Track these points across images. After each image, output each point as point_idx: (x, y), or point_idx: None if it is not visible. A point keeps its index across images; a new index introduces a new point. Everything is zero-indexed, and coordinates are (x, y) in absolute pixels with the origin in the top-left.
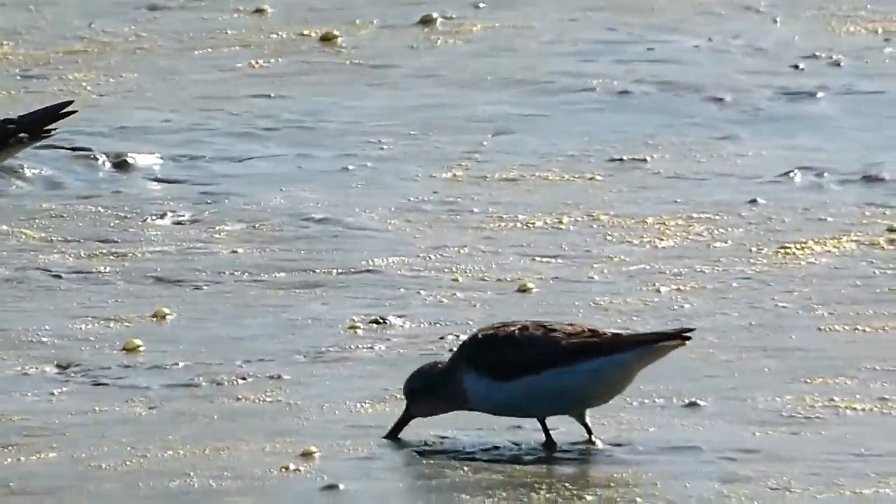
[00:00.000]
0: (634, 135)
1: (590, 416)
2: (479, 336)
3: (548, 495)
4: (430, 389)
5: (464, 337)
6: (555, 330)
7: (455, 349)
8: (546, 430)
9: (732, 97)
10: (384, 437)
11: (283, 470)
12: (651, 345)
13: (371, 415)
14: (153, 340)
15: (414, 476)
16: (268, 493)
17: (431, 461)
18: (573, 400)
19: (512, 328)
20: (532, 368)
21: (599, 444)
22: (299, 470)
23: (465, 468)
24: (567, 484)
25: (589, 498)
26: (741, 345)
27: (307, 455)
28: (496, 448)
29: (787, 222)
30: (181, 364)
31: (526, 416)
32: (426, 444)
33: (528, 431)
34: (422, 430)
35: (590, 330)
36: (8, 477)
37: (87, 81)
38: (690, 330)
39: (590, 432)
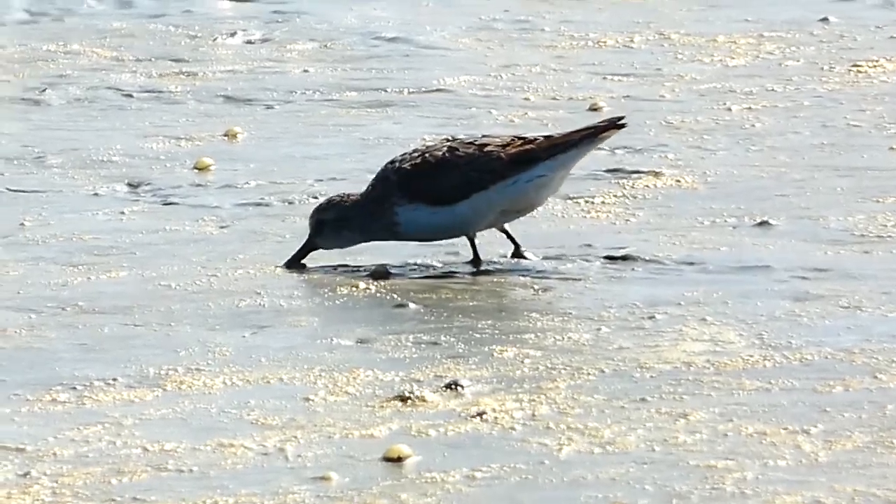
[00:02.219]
0: None
1: (662, 237)
2: (407, 166)
3: (617, 313)
4: (344, 221)
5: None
6: (486, 145)
7: (372, 181)
8: (475, 247)
9: None
10: (283, 265)
11: (353, 289)
12: (588, 140)
13: None
14: (224, 159)
15: (482, 294)
16: (339, 311)
17: (495, 279)
18: (515, 211)
19: (438, 151)
20: (478, 187)
21: (531, 257)
22: (369, 289)
23: (536, 287)
24: (638, 303)
25: (659, 317)
26: (813, 164)
27: (380, 275)
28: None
29: (858, 40)
30: (252, 183)
31: (459, 236)
32: (490, 260)
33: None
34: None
35: (518, 138)
36: (78, 296)
37: None
38: (621, 118)
39: (516, 242)
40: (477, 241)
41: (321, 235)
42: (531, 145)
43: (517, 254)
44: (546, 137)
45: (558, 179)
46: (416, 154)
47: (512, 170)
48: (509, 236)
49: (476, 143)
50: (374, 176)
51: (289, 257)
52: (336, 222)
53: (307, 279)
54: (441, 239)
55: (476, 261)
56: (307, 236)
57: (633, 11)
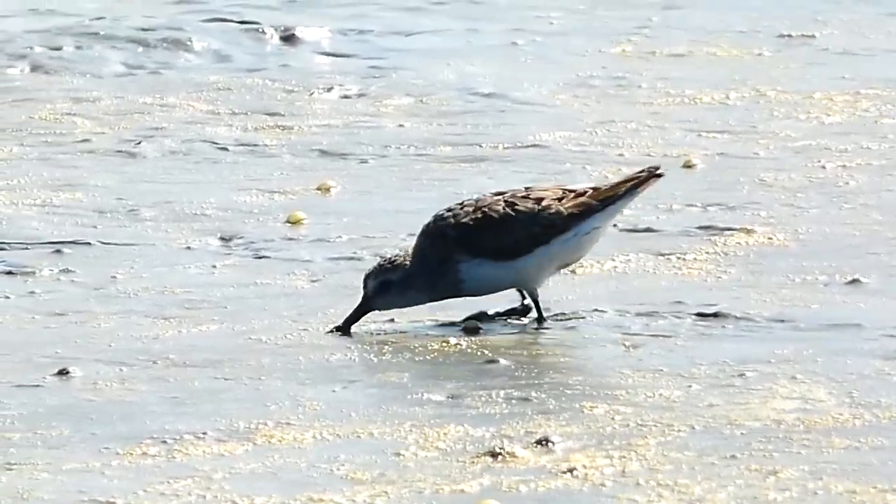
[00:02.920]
0: (803, 10)
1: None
2: (468, 221)
3: (708, 370)
4: (410, 281)
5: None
6: (542, 198)
7: (421, 241)
8: (538, 304)
9: None
10: (335, 329)
11: (444, 344)
12: (634, 191)
13: None
14: (317, 213)
15: (573, 351)
16: (430, 366)
17: (586, 335)
18: (567, 264)
19: (497, 206)
20: (540, 241)
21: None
22: (460, 344)
23: (627, 344)
24: (727, 360)
25: (749, 374)
26: None
27: (468, 330)
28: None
29: None
30: (344, 237)
31: (519, 288)
32: (580, 316)
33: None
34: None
35: (566, 190)
36: (169, 349)
37: None
38: (658, 167)
39: (526, 303)
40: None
41: (384, 296)
42: (584, 198)
43: (524, 311)
44: (593, 189)
45: (605, 231)
46: (470, 209)
47: (571, 223)
48: (522, 294)
49: (531, 196)
50: (419, 234)
51: (342, 321)
52: (402, 283)
53: (397, 334)
54: (500, 291)
55: (540, 318)
56: (362, 299)
57: (729, 68)
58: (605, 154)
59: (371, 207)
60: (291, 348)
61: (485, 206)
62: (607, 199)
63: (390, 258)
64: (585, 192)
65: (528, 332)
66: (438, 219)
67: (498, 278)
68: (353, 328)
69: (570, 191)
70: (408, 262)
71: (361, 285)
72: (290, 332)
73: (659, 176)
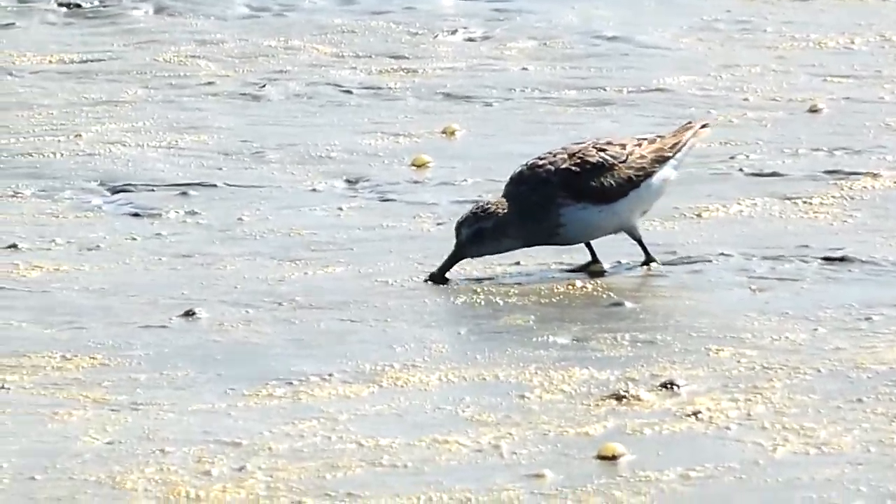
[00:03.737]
0: None
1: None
2: (571, 167)
3: (834, 314)
4: (504, 228)
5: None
6: (624, 145)
7: (516, 188)
8: (644, 245)
9: None
10: (429, 279)
11: (570, 286)
12: (691, 140)
13: (660, 233)
14: (442, 156)
15: (699, 294)
16: (555, 308)
17: (712, 279)
18: (646, 210)
19: (588, 153)
20: (634, 184)
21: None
22: (586, 287)
23: (753, 288)
24: (853, 304)
25: (875, 318)
26: None
27: (594, 273)
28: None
29: None
30: (469, 180)
31: (615, 233)
32: (707, 259)
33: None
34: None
35: (638, 139)
36: (295, 290)
37: None
38: (706, 123)
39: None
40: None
41: (478, 244)
42: (659, 145)
43: (593, 264)
44: (659, 137)
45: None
46: (565, 156)
47: (655, 167)
48: (591, 248)
49: (613, 142)
50: (512, 182)
51: (434, 270)
52: (495, 230)
53: (522, 277)
54: (598, 237)
55: (649, 257)
56: (455, 246)
57: (854, 13)
58: (730, 98)
59: (495, 151)
60: (417, 291)
61: (579, 153)
62: (676, 146)
63: (482, 206)
64: (654, 140)
65: (653, 276)
66: (534, 166)
67: (598, 221)
68: (456, 274)
69: (641, 139)
70: (500, 210)
71: (454, 233)
72: (415, 274)
73: (707, 126)
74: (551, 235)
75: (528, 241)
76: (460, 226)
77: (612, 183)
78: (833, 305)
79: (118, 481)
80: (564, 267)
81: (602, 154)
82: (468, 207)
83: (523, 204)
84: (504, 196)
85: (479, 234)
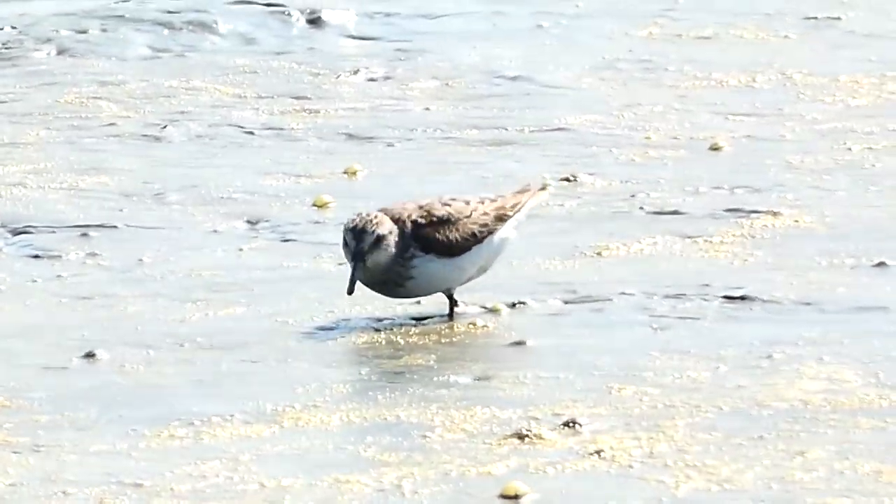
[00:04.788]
0: None
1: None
2: (418, 220)
3: (735, 352)
4: (387, 237)
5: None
6: (468, 202)
7: (377, 236)
8: (454, 301)
9: None
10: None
11: (471, 326)
12: (530, 201)
13: (560, 271)
14: (344, 196)
15: (600, 332)
16: (456, 348)
17: (613, 317)
18: (485, 268)
19: (433, 207)
20: (478, 240)
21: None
22: (487, 326)
23: (654, 326)
24: (755, 342)
25: (776, 356)
26: None
27: (494, 311)
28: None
29: None
30: None
31: (450, 287)
32: (608, 298)
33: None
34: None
35: (481, 197)
36: (196, 331)
37: None
38: (545, 185)
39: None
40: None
41: (377, 251)
42: (500, 203)
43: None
44: (500, 197)
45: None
46: (414, 207)
47: (496, 226)
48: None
49: (457, 199)
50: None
51: (347, 287)
52: (388, 241)
53: (425, 317)
54: (436, 292)
55: (452, 315)
56: (355, 255)
57: (756, 51)
58: (632, 137)
59: (397, 191)
60: (318, 331)
61: (426, 206)
62: (515, 206)
63: (369, 217)
64: (495, 199)
65: (555, 314)
66: (385, 219)
67: (444, 274)
68: (357, 313)
69: (484, 197)
70: (386, 221)
71: (354, 239)
72: (316, 314)
73: (545, 189)
74: (398, 285)
75: (380, 279)
76: (361, 233)
77: (458, 237)
78: (734, 343)
79: None
80: (466, 303)
81: (447, 208)
82: (357, 216)
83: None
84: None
85: (379, 240)
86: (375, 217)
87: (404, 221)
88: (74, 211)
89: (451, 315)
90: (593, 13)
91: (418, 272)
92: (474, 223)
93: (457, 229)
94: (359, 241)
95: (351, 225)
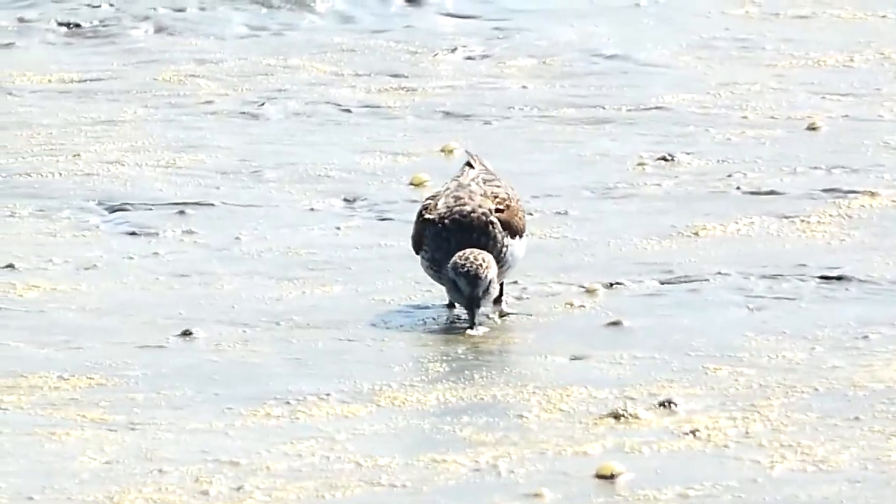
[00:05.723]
0: None
1: None
2: (498, 208)
3: (831, 333)
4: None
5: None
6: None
7: (467, 235)
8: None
9: None
10: (469, 330)
11: (568, 306)
12: None
13: (657, 251)
14: (441, 175)
15: (696, 313)
16: (553, 328)
17: (709, 298)
18: None
19: (496, 193)
20: (524, 226)
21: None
22: (584, 306)
23: (750, 307)
24: (851, 322)
25: (872, 337)
26: None
27: (591, 292)
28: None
29: None
30: None
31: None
32: (704, 278)
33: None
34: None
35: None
36: (293, 310)
37: None
38: None
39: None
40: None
41: (488, 293)
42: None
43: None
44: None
45: None
46: (482, 197)
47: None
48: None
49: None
50: (454, 231)
51: (468, 327)
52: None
53: (523, 294)
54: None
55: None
56: (470, 300)
57: (854, 30)
58: (729, 116)
59: (495, 169)
60: (415, 310)
61: (492, 194)
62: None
63: (480, 258)
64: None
65: (651, 295)
66: (469, 213)
67: (521, 254)
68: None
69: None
70: (488, 259)
71: (469, 285)
72: (413, 293)
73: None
74: (498, 277)
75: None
76: (476, 279)
77: (523, 217)
78: (830, 324)
79: (116, 501)
80: (561, 282)
81: (498, 190)
82: (466, 261)
83: (490, 251)
84: (453, 244)
85: (491, 284)
86: (484, 261)
87: (489, 215)
88: (171, 188)
89: (502, 304)
90: None
91: (512, 259)
92: (517, 199)
93: (518, 209)
94: (473, 287)
95: (463, 270)
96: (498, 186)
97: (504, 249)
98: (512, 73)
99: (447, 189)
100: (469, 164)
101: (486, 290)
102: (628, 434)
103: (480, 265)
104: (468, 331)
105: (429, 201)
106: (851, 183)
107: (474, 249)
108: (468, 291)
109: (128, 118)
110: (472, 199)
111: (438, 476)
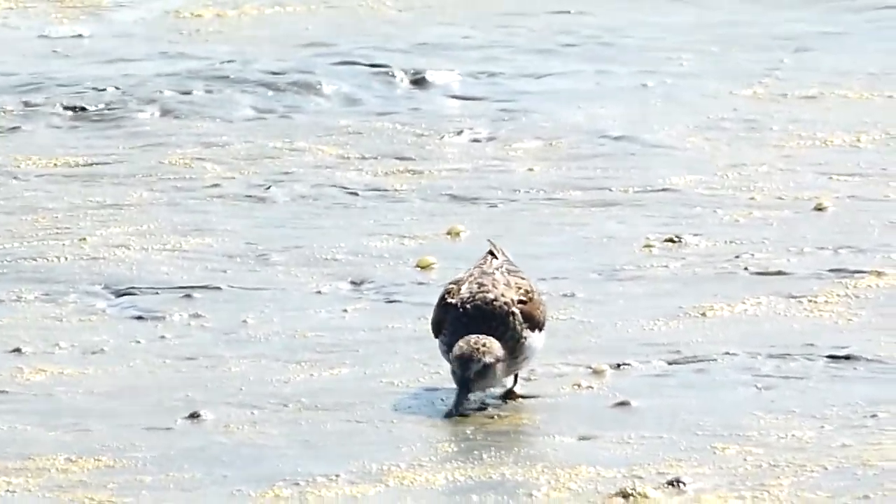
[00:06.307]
0: None
1: None
2: (522, 299)
3: (840, 412)
4: (498, 364)
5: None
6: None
7: (484, 323)
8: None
9: None
10: (446, 417)
11: (576, 387)
12: None
13: (664, 332)
14: (447, 257)
15: (704, 393)
16: (560, 410)
17: (717, 378)
18: None
19: (521, 284)
20: (545, 318)
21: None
22: (591, 387)
23: (759, 386)
24: (859, 401)
25: (881, 415)
26: None
27: (598, 373)
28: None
29: None
30: None
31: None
32: (712, 358)
33: None
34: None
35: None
36: (300, 392)
37: None
38: None
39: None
40: None
41: (484, 380)
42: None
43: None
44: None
45: None
46: (506, 286)
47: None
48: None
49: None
50: (472, 318)
51: (451, 408)
52: (496, 365)
53: (531, 376)
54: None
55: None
56: (462, 383)
57: (861, 110)
58: (736, 197)
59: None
60: (423, 391)
61: (516, 284)
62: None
63: (482, 342)
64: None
65: (659, 375)
66: (491, 301)
67: (539, 347)
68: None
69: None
70: (494, 346)
71: (460, 368)
72: (421, 375)
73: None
74: (512, 369)
75: (505, 374)
76: (468, 362)
77: (544, 310)
78: (839, 403)
79: None
80: (569, 363)
81: (524, 282)
82: (467, 343)
83: (501, 339)
84: (472, 330)
85: (486, 369)
86: (485, 345)
87: (509, 303)
88: (178, 272)
89: (515, 387)
90: (698, 72)
91: (529, 350)
92: (539, 292)
93: (541, 303)
94: (465, 369)
95: (458, 352)
96: (522, 278)
97: (523, 341)
98: (518, 155)
99: (471, 275)
100: (492, 254)
101: (482, 375)
102: None
103: (476, 349)
104: (444, 415)
105: (451, 286)
106: (858, 263)
107: (481, 335)
108: (458, 373)
109: (133, 202)
110: (496, 288)
111: None
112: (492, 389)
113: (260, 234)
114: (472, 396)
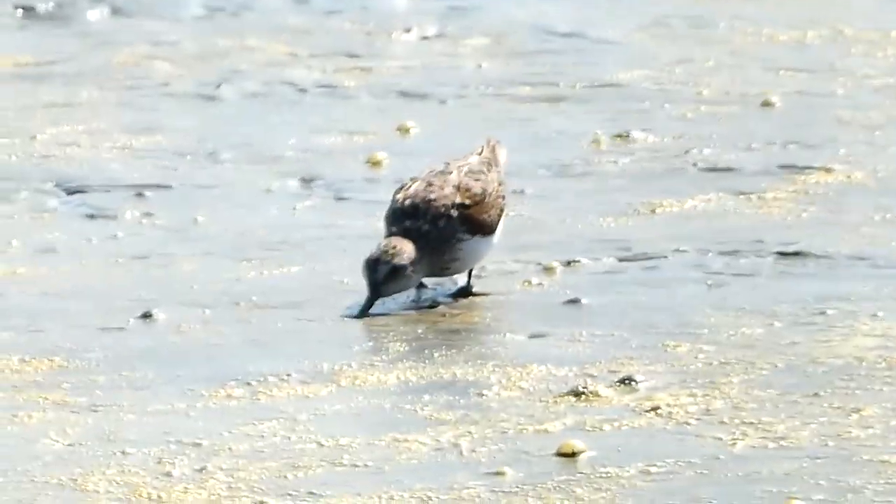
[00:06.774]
0: None
1: None
2: (464, 202)
3: (789, 309)
4: (412, 266)
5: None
6: (484, 170)
7: (413, 221)
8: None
9: None
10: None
11: (526, 284)
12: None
13: (614, 229)
14: (397, 154)
15: (655, 290)
16: (510, 308)
17: (668, 275)
18: None
19: (472, 185)
20: (502, 214)
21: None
22: (542, 284)
23: (709, 283)
24: (809, 298)
25: (830, 312)
26: None
27: (549, 270)
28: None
29: None
30: None
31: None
32: (662, 255)
33: None
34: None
35: (482, 162)
36: (250, 290)
37: None
38: None
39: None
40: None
41: (394, 282)
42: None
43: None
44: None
45: None
46: (450, 188)
47: (505, 195)
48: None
49: (461, 162)
50: (405, 216)
51: (356, 313)
52: (407, 267)
53: (481, 273)
54: (464, 271)
55: (470, 286)
56: (371, 287)
57: (807, 6)
58: (684, 93)
59: (450, 147)
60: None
61: (463, 186)
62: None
63: (392, 245)
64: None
65: (609, 272)
66: (428, 201)
67: (485, 252)
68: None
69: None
70: (407, 247)
71: (367, 272)
72: None
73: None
74: (443, 269)
75: (426, 274)
76: (375, 264)
77: (495, 215)
78: (789, 300)
79: (79, 483)
80: (519, 261)
81: (480, 184)
82: (377, 247)
83: (426, 240)
84: (400, 231)
85: (395, 271)
86: (395, 247)
87: (449, 209)
88: (129, 170)
89: (469, 286)
90: None
91: (464, 254)
92: (499, 196)
93: (491, 206)
94: (373, 272)
95: (367, 255)
96: (480, 180)
97: (457, 244)
98: (466, 52)
99: (431, 172)
100: (485, 151)
101: (392, 278)
102: (589, 412)
103: (385, 252)
104: (353, 316)
105: (408, 181)
106: (807, 159)
107: (398, 238)
108: (367, 276)
109: (84, 100)
110: (442, 189)
111: (400, 455)
112: (443, 286)
113: (210, 132)
114: (386, 300)
